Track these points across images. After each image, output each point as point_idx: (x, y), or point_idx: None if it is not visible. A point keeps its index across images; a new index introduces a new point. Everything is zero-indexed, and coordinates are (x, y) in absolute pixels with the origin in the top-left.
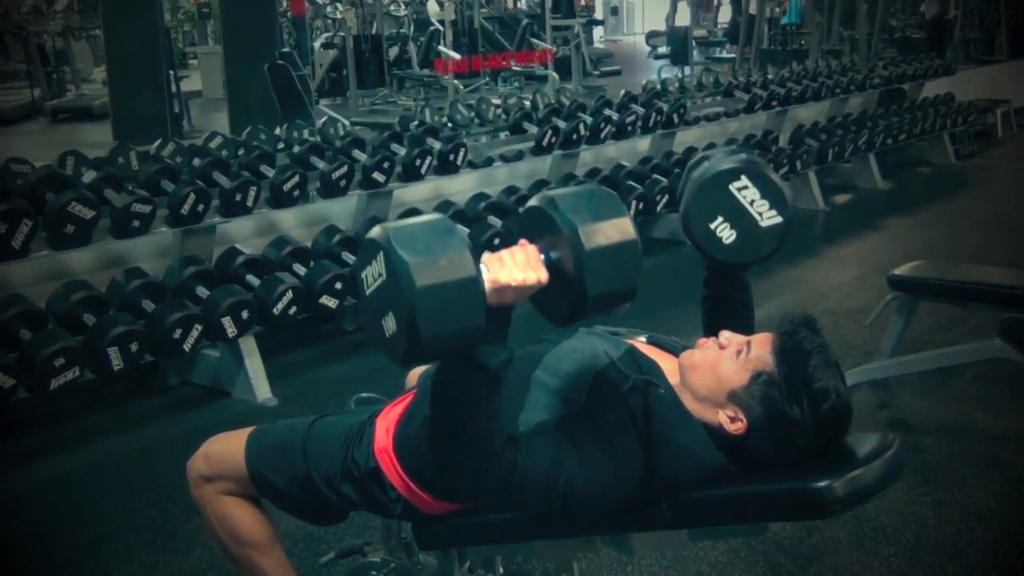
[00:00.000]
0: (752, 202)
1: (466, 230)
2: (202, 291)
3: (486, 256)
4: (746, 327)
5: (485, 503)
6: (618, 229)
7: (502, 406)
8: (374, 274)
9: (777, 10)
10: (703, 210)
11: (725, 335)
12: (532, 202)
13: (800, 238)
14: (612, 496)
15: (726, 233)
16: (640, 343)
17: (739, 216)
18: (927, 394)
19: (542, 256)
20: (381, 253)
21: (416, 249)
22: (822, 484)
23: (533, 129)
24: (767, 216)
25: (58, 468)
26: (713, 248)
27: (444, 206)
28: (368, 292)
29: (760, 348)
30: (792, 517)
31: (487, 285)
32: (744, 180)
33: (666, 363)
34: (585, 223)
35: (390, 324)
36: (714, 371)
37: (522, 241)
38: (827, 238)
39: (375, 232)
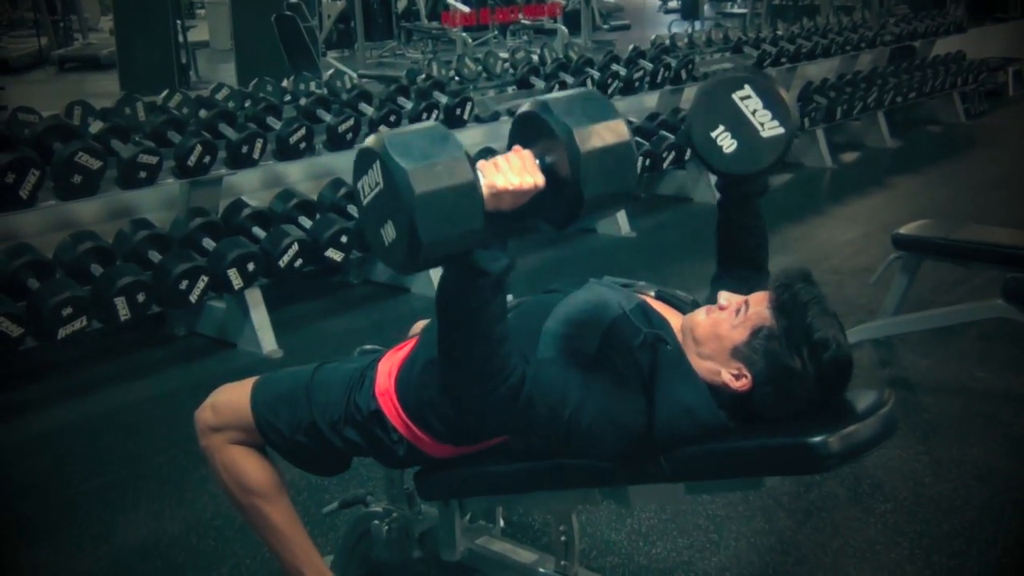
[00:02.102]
0: (754, 112)
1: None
2: (208, 243)
3: (481, 163)
4: (759, 255)
5: (492, 422)
6: (612, 131)
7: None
8: (371, 183)
9: None
10: (705, 118)
11: (724, 296)
12: (524, 108)
13: (807, 196)
14: (613, 439)
15: (727, 142)
16: (649, 298)
17: (740, 125)
18: (929, 353)
19: (537, 161)
20: (378, 162)
21: (412, 156)
22: (817, 439)
23: (540, 84)
24: (768, 127)
25: (66, 417)
26: (713, 157)
27: None
28: (365, 202)
29: (758, 304)
30: (787, 471)
31: (484, 191)
32: (747, 90)
33: (675, 320)
34: (580, 125)
35: (389, 232)
36: (715, 331)
37: (516, 147)
38: (834, 196)
39: (370, 141)
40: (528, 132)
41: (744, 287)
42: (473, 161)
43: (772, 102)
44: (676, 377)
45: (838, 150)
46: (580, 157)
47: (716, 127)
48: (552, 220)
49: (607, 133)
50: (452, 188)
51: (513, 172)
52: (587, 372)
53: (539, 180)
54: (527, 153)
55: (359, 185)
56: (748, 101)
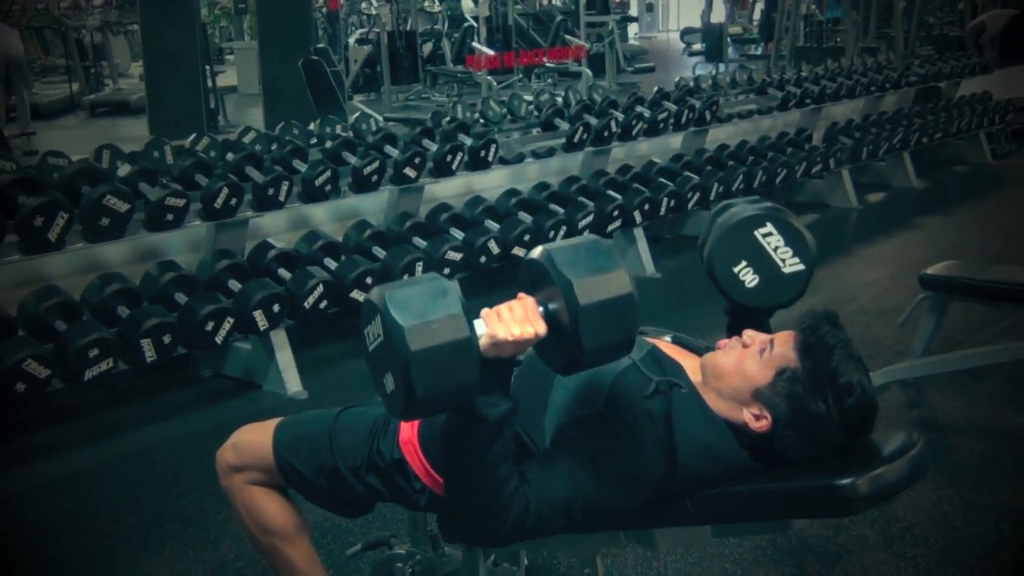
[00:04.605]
0: (776, 248)
1: (459, 292)
2: (234, 284)
3: (484, 311)
4: None
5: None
6: (613, 283)
7: (525, 407)
8: (374, 333)
9: (814, 6)
10: (728, 254)
11: (748, 333)
12: (532, 255)
13: (833, 236)
14: (631, 498)
15: (749, 277)
16: (664, 343)
17: (762, 261)
18: (958, 394)
19: (540, 309)
20: (378, 316)
21: (411, 312)
22: (846, 481)
23: (565, 126)
24: (790, 263)
25: (92, 458)
26: (735, 291)
27: (474, 202)
28: (370, 349)
29: (783, 345)
30: (815, 514)
31: (485, 340)
32: (769, 227)
33: (688, 362)
34: (580, 278)
35: (389, 382)
36: (738, 370)
37: (521, 294)
38: (860, 237)
39: (374, 294)
40: (535, 278)
41: None
42: (470, 315)
43: (793, 238)
44: (694, 419)
45: (864, 190)
46: (580, 310)
47: (739, 263)
48: (555, 365)
49: (608, 285)
50: (448, 345)
51: (515, 322)
52: (592, 441)
53: (540, 329)
54: (531, 301)
55: (365, 331)
56: (770, 238)
